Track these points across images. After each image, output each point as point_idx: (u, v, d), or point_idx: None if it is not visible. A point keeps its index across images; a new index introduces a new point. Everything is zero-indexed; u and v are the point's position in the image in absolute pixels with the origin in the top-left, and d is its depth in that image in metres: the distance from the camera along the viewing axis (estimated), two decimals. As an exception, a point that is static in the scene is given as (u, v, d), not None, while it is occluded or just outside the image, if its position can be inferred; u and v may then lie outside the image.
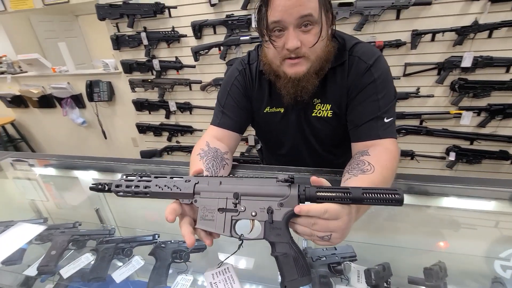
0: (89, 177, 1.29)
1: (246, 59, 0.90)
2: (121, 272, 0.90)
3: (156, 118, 2.84)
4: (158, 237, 1.00)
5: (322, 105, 0.84)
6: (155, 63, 2.48)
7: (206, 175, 0.57)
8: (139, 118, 2.90)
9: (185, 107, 2.66)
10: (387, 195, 0.44)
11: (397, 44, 1.97)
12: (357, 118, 0.77)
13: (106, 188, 0.57)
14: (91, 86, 2.80)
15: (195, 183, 0.54)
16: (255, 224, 0.51)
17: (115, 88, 2.88)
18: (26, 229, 1.05)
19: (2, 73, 3.25)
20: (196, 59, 2.38)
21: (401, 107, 2.17)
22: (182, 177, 0.55)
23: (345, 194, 0.46)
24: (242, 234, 0.50)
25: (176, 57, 2.47)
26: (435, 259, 0.71)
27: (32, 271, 0.93)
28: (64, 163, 1.24)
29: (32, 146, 3.72)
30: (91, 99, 2.84)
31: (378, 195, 0.44)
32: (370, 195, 0.44)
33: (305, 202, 0.49)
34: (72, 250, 1.01)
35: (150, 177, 0.57)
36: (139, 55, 2.56)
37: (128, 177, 0.57)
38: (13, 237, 1.02)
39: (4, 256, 0.92)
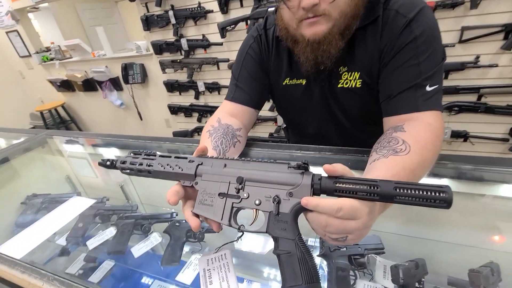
0: (122, 154, 1.33)
1: (262, 24, 0.80)
2: (139, 247, 0.92)
3: (186, 99, 2.88)
4: (176, 215, 1.00)
5: (350, 73, 0.71)
6: (183, 43, 2.46)
7: (211, 156, 0.50)
8: (170, 99, 2.97)
9: (213, 87, 2.64)
10: (429, 193, 0.33)
11: (453, 4, 1.66)
12: (390, 87, 0.64)
13: (113, 165, 0.56)
14: (126, 69, 2.90)
15: (198, 164, 0.49)
16: (259, 214, 0.44)
17: (147, 70, 2.96)
18: (80, 202, 1.13)
19: (52, 59, 3.53)
20: (223, 36, 2.29)
21: (455, 80, 1.86)
22: (186, 157, 0.51)
23: (371, 188, 0.36)
24: (242, 225, 0.44)
25: (203, 35, 2.42)
26: (485, 259, 0.58)
27: (62, 241, 0.99)
28: (102, 141, 1.28)
29: (80, 127, 4.07)
30: (126, 81, 2.96)
31: (417, 192, 0.34)
32: (406, 191, 0.34)
33: (321, 195, 0.40)
34: (99, 224, 1.07)
35: (155, 155, 0.53)
36: (168, 35, 2.56)
37: (134, 155, 0.55)
38: (70, 208, 1.10)
39: (63, 224, 1.01)
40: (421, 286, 0.55)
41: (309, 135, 0.89)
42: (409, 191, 0.34)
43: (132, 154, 0.56)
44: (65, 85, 3.60)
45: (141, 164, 0.52)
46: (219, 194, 0.45)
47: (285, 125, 1.09)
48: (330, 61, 0.66)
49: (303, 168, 0.41)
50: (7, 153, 1.25)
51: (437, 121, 0.58)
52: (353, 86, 0.71)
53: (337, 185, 0.38)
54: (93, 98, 3.58)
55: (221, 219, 0.44)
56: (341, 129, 0.82)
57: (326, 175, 0.40)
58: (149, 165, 0.52)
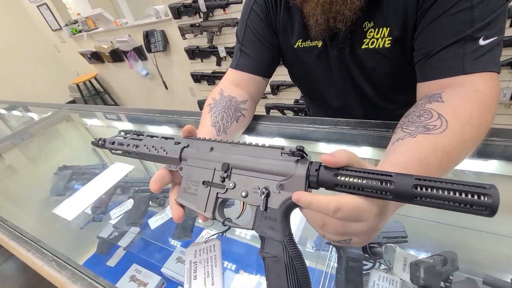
0: (140, 128, 1.33)
1: None
2: (155, 220, 0.95)
3: (209, 66, 2.79)
4: (190, 188, 0.99)
5: (377, 30, 0.57)
6: (201, 4, 2.31)
7: (198, 138, 0.45)
8: (193, 67, 2.90)
9: (235, 52, 2.50)
10: (464, 195, 0.24)
11: None
12: (429, 42, 0.49)
13: (103, 145, 0.53)
14: (148, 37, 2.86)
15: (184, 147, 0.44)
16: (246, 207, 0.38)
17: (168, 36, 2.88)
18: (119, 168, 1.19)
19: (80, 31, 3.60)
20: (241, -7, 2.09)
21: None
22: (173, 138, 0.46)
23: (383, 184, 0.27)
24: (228, 218, 0.38)
25: (221, -6, 2.23)
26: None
27: (89, 210, 1.06)
28: (125, 114, 1.29)
29: (114, 98, 4.24)
30: (149, 50, 2.94)
31: (446, 194, 0.24)
32: (430, 190, 0.25)
33: (319, 188, 0.32)
34: (120, 195, 1.11)
35: (143, 135, 0.49)
36: (185, -3, 2.41)
37: (125, 134, 0.52)
38: (110, 175, 1.17)
39: (106, 188, 1.08)
40: (447, 284, 0.47)
41: (329, 106, 0.78)
42: (434, 191, 0.25)
43: (122, 133, 0.52)
44: (95, 57, 3.70)
45: (128, 145, 0.49)
46: (203, 183, 0.40)
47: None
48: (344, 25, 0.54)
49: (299, 155, 0.33)
50: (37, 126, 1.33)
51: (490, 87, 0.44)
52: (380, 46, 0.58)
53: (339, 178, 0.29)
54: (121, 69, 3.65)
55: (204, 211, 0.38)
56: (364, 98, 0.70)
57: None
58: (135, 146, 0.48)
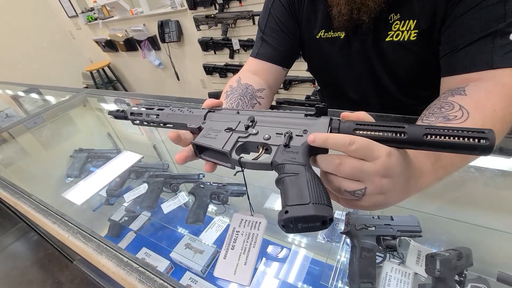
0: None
1: None
2: (168, 205, 0.97)
3: (221, 58, 2.79)
4: (203, 176, 1.01)
5: (403, 22, 0.56)
6: (217, -5, 2.30)
7: (224, 108, 0.45)
8: (205, 59, 2.91)
9: (249, 45, 2.49)
10: (464, 139, 0.27)
11: None
12: (458, 36, 0.49)
13: (123, 115, 0.51)
14: (162, 27, 2.87)
15: (209, 111, 0.44)
16: (263, 153, 0.38)
17: (182, 27, 2.89)
18: (128, 156, 1.23)
19: (96, 19, 3.64)
20: (258, -15, 2.08)
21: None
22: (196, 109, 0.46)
23: (397, 135, 0.30)
24: (242, 156, 0.37)
25: (238, -15, 2.22)
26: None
27: (103, 193, 1.09)
28: (145, 102, 1.31)
29: (126, 86, 4.29)
30: (163, 39, 2.95)
31: (450, 139, 0.28)
32: (436, 138, 0.28)
33: None
34: (134, 180, 1.14)
35: (169, 107, 0.49)
36: (202, -13, 2.41)
37: (147, 109, 0.50)
38: (121, 162, 1.21)
39: (116, 175, 1.11)
40: (462, 279, 0.47)
41: (346, 99, 0.77)
42: (440, 138, 0.28)
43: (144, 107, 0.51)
44: (109, 45, 3.73)
45: (151, 109, 0.48)
46: (226, 129, 0.40)
47: (319, 88, 0.96)
48: (368, 17, 0.54)
49: (320, 111, 0.35)
50: (55, 109, 1.36)
51: None
52: (406, 39, 0.57)
53: (358, 131, 0.32)
54: (134, 58, 3.69)
55: (223, 147, 0.38)
56: (384, 93, 0.69)
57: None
58: (159, 109, 0.47)
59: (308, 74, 2.36)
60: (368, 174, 0.30)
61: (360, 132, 0.31)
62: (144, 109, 0.48)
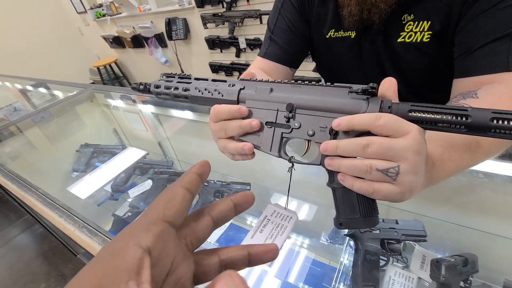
0: (165, 112, 1.36)
1: None
2: (172, 201, 0.97)
3: (227, 57, 2.79)
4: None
5: (416, 23, 0.56)
6: (225, -7, 2.30)
7: (254, 79, 0.43)
8: (212, 57, 2.92)
9: (255, 44, 2.49)
10: None
11: None
12: (472, 37, 0.48)
13: (147, 89, 0.49)
14: (169, 24, 2.88)
15: (240, 89, 0.42)
16: (311, 146, 0.38)
17: (190, 25, 2.90)
18: (133, 152, 1.24)
19: (104, 15, 3.66)
20: (267, -16, 2.07)
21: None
22: (225, 81, 0.44)
23: (458, 118, 0.28)
24: (292, 156, 0.38)
25: (246, -16, 2.22)
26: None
27: (108, 188, 1.10)
28: (147, 97, 1.32)
29: (132, 83, 4.31)
30: (170, 37, 2.96)
31: None
32: (505, 123, 0.26)
33: None
34: (138, 176, 1.15)
35: (190, 78, 0.47)
36: (210, -14, 2.41)
37: (168, 77, 0.48)
38: (125, 158, 1.22)
39: (120, 170, 1.12)
40: (467, 285, 0.47)
41: None
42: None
43: (164, 77, 0.49)
44: (117, 42, 3.76)
45: (176, 88, 0.46)
46: (267, 123, 0.39)
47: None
48: (378, 17, 0.53)
49: (370, 93, 0.32)
50: (62, 104, 1.37)
51: None
52: (418, 40, 0.56)
53: (412, 114, 0.29)
54: (141, 55, 3.71)
55: (270, 150, 0.38)
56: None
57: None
58: (185, 90, 0.45)
59: (315, 74, 2.35)
60: (400, 150, 0.28)
61: (416, 114, 0.29)
62: (169, 89, 0.46)
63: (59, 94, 1.54)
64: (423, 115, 0.29)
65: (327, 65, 0.77)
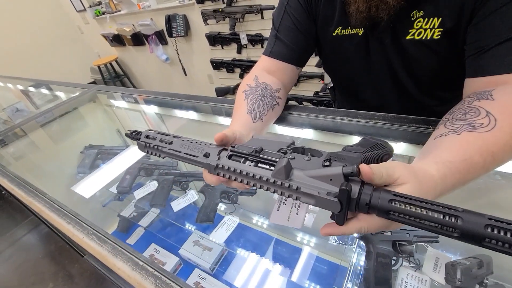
0: (168, 112, 1.34)
1: None
2: (178, 203, 0.97)
3: (229, 53, 2.77)
4: (213, 175, 1.01)
5: (426, 20, 0.54)
6: (225, -11, 2.27)
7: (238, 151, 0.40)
8: (213, 53, 2.89)
9: (257, 40, 2.46)
10: None
11: None
12: (486, 35, 0.46)
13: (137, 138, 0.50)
14: (170, 21, 2.85)
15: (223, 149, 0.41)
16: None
17: (190, 22, 2.86)
18: (136, 151, 1.23)
19: (103, 13, 3.63)
20: (268, -21, 2.04)
21: None
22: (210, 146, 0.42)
23: (448, 219, 0.25)
24: None
25: (247, -21, 2.18)
26: None
27: (114, 189, 1.10)
28: (148, 97, 1.30)
29: (133, 81, 4.30)
30: (170, 34, 2.94)
31: None
32: (503, 234, 0.22)
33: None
34: (143, 177, 1.14)
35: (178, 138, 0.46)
36: (210, -19, 2.37)
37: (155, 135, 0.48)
38: (128, 157, 1.22)
39: (123, 169, 1.12)
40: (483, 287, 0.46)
41: (363, 101, 0.75)
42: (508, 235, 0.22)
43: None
44: (117, 40, 3.73)
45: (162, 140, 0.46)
46: None
47: (332, 85, 0.94)
48: (386, 14, 0.52)
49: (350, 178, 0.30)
50: (65, 106, 1.37)
51: None
52: (428, 37, 0.55)
53: (393, 204, 0.27)
54: (142, 53, 3.68)
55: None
56: (404, 94, 0.67)
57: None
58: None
59: (317, 70, 2.32)
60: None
61: (397, 205, 0.27)
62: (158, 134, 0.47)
63: (61, 95, 1.53)
64: (404, 207, 0.26)
65: (334, 64, 0.75)
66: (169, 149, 0.44)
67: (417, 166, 0.34)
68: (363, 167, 0.29)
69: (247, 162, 0.37)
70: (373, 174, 0.29)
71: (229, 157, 0.39)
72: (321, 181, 0.31)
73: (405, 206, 0.27)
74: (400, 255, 0.55)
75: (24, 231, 2.23)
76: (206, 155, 0.40)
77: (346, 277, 0.60)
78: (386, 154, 0.37)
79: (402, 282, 0.53)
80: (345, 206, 0.29)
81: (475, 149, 0.36)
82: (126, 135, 0.53)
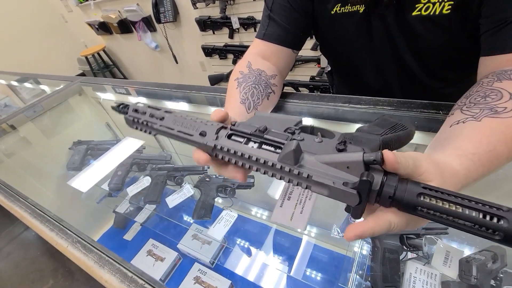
0: (158, 103, 1.28)
1: None
2: (173, 198, 0.93)
3: (220, 38, 2.66)
4: (208, 168, 0.96)
5: None
6: (214, -31, 2.14)
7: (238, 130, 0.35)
8: (204, 39, 2.78)
9: (249, 23, 2.35)
10: None
11: None
12: (504, 7, 0.41)
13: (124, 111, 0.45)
14: (157, 6, 2.71)
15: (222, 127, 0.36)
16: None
17: (178, 6, 2.73)
18: (130, 143, 1.18)
19: (87, 0, 3.45)
20: (258, -44, 1.92)
21: None
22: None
23: (490, 219, 0.21)
24: None
25: (236, -43, 2.05)
26: None
27: (106, 186, 1.05)
28: (137, 88, 1.24)
29: (123, 71, 4.16)
30: (158, 20, 2.80)
31: None
32: None
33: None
34: (136, 172, 1.10)
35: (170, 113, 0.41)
36: (197, -39, 2.24)
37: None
38: (123, 149, 1.16)
39: (118, 162, 1.07)
40: (498, 283, 0.43)
41: (364, 85, 0.70)
42: None
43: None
44: (103, 28, 3.57)
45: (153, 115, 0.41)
46: None
47: (329, 69, 0.88)
48: None
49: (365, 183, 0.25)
50: (49, 100, 1.29)
51: None
52: (437, 12, 0.49)
53: (422, 198, 0.23)
54: (130, 41, 3.54)
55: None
56: (409, 76, 0.62)
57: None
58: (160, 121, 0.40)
59: (313, 53, 2.24)
60: None
61: (427, 199, 0.23)
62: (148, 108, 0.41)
63: (45, 88, 1.46)
64: (435, 204, 0.23)
65: (332, 45, 0.69)
66: (160, 125, 0.39)
67: (441, 160, 0.30)
68: (387, 154, 0.24)
69: (250, 143, 0.32)
70: (399, 163, 0.24)
71: (229, 136, 0.34)
72: (336, 168, 0.26)
73: (436, 202, 0.23)
74: (409, 249, 0.52)
75: (20, 229, 2.20)
76: (203, 134, 0.35)
77: (352, 272, 0.57)
78: (407, 137, 0.32)
79: (411, 277, 0.50)
80: (364, 199, 0.24)
81: (499, 138, 0.32)
82: (113, 108, 0.47)
